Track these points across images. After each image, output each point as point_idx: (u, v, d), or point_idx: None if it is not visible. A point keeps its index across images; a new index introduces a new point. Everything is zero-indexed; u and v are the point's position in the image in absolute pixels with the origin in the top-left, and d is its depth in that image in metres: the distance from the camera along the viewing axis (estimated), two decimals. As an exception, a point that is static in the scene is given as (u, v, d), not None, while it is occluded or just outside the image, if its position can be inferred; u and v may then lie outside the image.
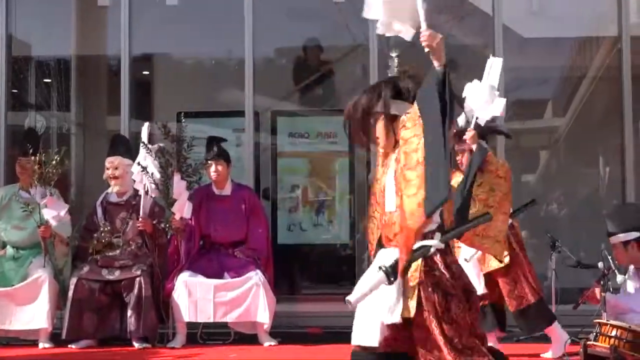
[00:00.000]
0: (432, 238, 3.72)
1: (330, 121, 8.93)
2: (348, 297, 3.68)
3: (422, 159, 3.62)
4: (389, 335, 3.72)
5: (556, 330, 6.08)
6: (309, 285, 8.92)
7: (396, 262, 3.67)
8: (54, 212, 6.66)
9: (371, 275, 3.69)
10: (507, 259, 5.88)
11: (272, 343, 6.66)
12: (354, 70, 9.11)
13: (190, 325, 6.75)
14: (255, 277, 6.66)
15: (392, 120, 3.89)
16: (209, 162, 6.97)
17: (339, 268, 8.92)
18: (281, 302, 7.17)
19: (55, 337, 6.72)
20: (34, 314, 6.66)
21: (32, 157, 6.70)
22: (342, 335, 6.97)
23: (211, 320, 6.69)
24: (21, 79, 9.51)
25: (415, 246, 3.68)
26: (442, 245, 3.74)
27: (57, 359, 6.36)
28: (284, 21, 8.84)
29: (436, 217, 3.77)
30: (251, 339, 6.74)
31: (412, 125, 3.71)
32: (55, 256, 6.83)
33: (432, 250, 3.70)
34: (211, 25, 8.87)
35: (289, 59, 9.34)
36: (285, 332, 6.98)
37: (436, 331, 3.65)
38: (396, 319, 3.66)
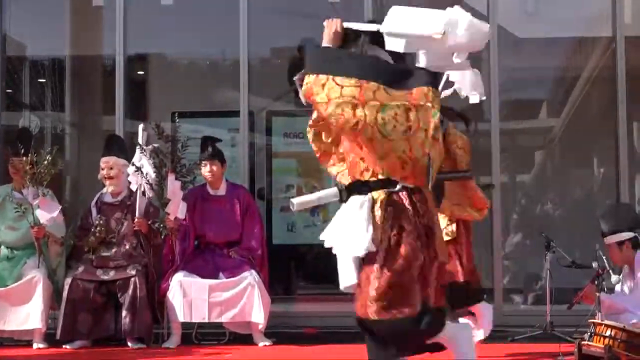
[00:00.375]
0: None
1: (325, 121, 8.94)
2: (292, 199, 3.72)
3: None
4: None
5: (484, 312, 5.94)
6: (304, 285, 8.93)
7: (352, 184, 3.68)
8: (47, 214, 6.63)
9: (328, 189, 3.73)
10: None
11: (267, 343, 6.65)
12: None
13: (185, 326, 6.74)
14: (250, 277, 6.66)
15: None
16: (204, 162, 6.97)
17: (334, 268, 8.90)
18: (276, 302, 7.17)
19: (49, 337, 6.70)
20: (28, 314, 6.63)
21: (24, 157, 6.67)
22: (338, 335, 7.01)
23: (206, 320, 6.69)
24: (15, 78, 9.50)
25: (382, 178, 3.65)
26: (410, 185, 3.68)
27: (52, 359, 6.34)
28: (279, 21, 8.84)
29: None
30: (246, 339, 6.74)
31: None
32: (49, 256, 6.82)
33: (399, 186, 3.65)
34: (206, 25, 8.87)
35: (284, 59, 9.34)
36: (280, 332, 6.98)
37: (377, 265, 3.60)
38: (360, 252, 3.62)
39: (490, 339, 6.31)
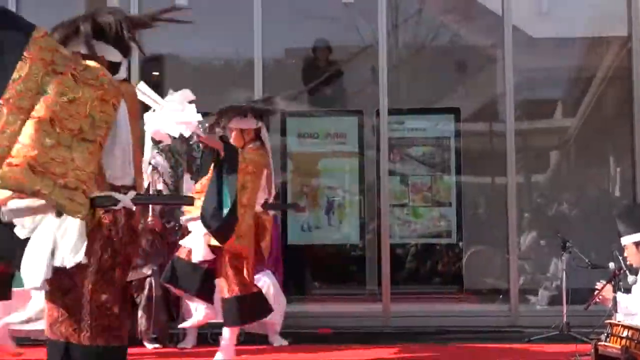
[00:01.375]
0: (124, 193, 3.52)
1: (339, 122, 8.94)
2: (4, 208, 3.45)
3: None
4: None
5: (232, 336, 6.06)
6: (319, 285, 8.92)
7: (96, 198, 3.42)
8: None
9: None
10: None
11: (283, 343, 6.65)
12: (363, 71, 9.10)
13: (201, 326, 6.74)
14: (265, 278, 6.65)
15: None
16: (219, 162, 6.97)
17: (349, 268, 8.93)
18: (291, 303, 7.17)
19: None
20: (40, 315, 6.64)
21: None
22: (352, 335, 7.01)
23: (221, 321, 6.67)
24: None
25: (103, 194, 3.45)
26: (132, 206, 3.55)
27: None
28: (293, 22, 8.84)
29: (131, 171, 3.60)
30: (261, 340, 6.73)
31: None
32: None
33: (119, 205, 3.48)
34: (220, 25, 8.87)
35: (298, 59, 9.34)
36: (295, 332, 6.98)
37: (86, 288, 3.48)
38: (68, 263, 3.44)
39: (506, 339, 6.32)
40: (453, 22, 9.42)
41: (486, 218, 9.32)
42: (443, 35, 9.38)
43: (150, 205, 6.81)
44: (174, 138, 6.80)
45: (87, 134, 3.32)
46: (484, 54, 9.38)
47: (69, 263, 3.43)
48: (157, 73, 9.67)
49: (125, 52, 3.74)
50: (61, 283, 3.50)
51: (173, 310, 6.72)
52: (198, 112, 7.60)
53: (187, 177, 6.72)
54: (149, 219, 6.81)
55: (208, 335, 6.85)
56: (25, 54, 3.31)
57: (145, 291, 6.60)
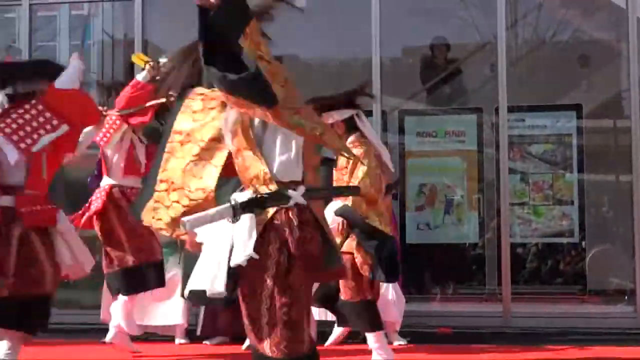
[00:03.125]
0: (294, 189, 3.42)
1: (458, 120, 8.88)
2: (184, 218, 3.37)
3: None
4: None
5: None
6: (438, 284, 8.88)
7: (249, 201, 3.35)
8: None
9: (221, 206, 3.39)
10: None
11: (402, 342, 6.67)
12: (481, 69, 9.02)
13: (321, 323, 6.82)
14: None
15: None
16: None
17: (468, 268, 8.86)
18: (410, 302, 7.17)
19: (190, 333, 6.92)
20: (170, 311, 6.85)
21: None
22: (472, 335, 6.96)
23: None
24: (156, 82, 9.81)
25: (272, 192, 3.37)
26: (304, 201, 3.42)
27: (193, 354, 6.54)
28: (410, 20, 8.83)
29: (299, 167, 3.47)
30: (380, 338, 6.75)
31: None
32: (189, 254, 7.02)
33: (291, 203, 3.39)
34: (338, 26, 8.94)
35: (416, 58, 9.32)
36: (414, 331, 6.98)
37: (265, 292, 3.35)
38: (239, 260, 3.34)
39: (631, 342, 6.16)
40: (574, 17, 9.22)
41: (610, 216, 9.09)
42: (564, 30, 9.19)
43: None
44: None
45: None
46: (607, 48, 9.15)
47: (239, 259, 3.33)
48: (276, 74, 9.82)
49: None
50: (242, 290, 3.44)
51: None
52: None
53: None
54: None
55: (328, 333, 6.92)
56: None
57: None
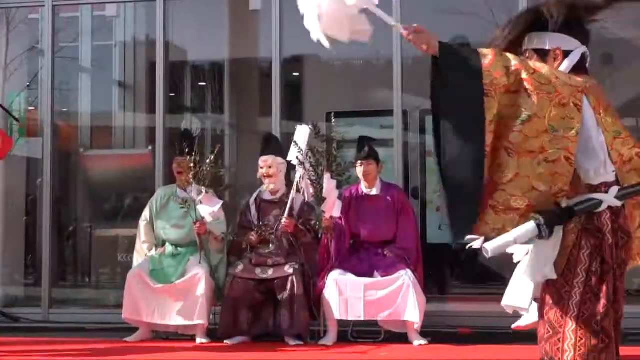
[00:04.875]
0: (605, 192, 3.20)
1: (480, 119, 8.83)
2: (485, 244, 3.19)
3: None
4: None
5: None
6: (459, 284, 8.85)
7: (553, 213, 3.14)
8: (209, 208, 6.82)
9: (522, 225, 3.17)
10: None
11: (423, 342, 6.64)
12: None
13: (342, 323, 6.82)
14: (405, 277, 6.67)
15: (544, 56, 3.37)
16: (360, 161, 7.03)
17: (489, 268, 8.81)
18: (431, 302, 7.15)
19: (211, 333, 6.93)
20: (191, 310, 6.85)
21: (188, 157, 6.91)
22: (493, 335, 6.92)
23: (362, 319, 6.74)
24: (178, 83, 9.88)
25: (583, 198, 3.16)
26: (619, 203, 3.19)
27: (213, 353, 6.55)
28: (431, 19, 8.80)
29: (609, 166, 3.23)
30: (401, 338, 6.75)
31: None
32: (210, 253, 7.04)
33: (603, 206, 3.16)
34: (359, 25, 8.91)
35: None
36: (435, 331, 6.96)
37: (574, 300, 3.14)
38: (539, 278, 3.21)
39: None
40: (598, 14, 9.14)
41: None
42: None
43: (288, 206, 6.94)
44: (315, 137, 6.94)
45: (550, 153, 3.10)
46: (630, 46, 9.07)
47: (539, 278, 3.22)
48: (297, 74, 9.84)
49: (584, 38, 3.47)
50: (546, 297, 3.25)
51: (314, 308, 6.82)
52: (337, 111, 7.71)
53: (327, 176, 6.80)
54: (283, 219, 6.92)
55: (349, 333, 6.92)
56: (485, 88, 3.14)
57: (288, 289, 6.72)
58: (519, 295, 3.42)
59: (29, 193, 9.45)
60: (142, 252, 7.27)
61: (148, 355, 6.40)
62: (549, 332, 3.21)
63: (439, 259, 8.56)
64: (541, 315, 3.28)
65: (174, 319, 6.89)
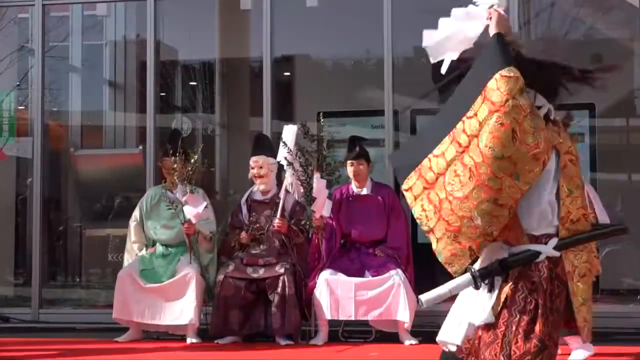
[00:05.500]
0: (545, 243, 3.34)
1: (470, 119, 8.85)
2: (421, 296, 3.39)
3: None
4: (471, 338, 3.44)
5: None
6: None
7: (487, 267, 3.31)
8: (194, 210, 6.81)
9: (458, 278, 3.35)
10: None
11: (413, 342, 6.66)
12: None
13: (332, 323, 6.83)
14: (395, 276, 6.68)
15: None
16: (350, 161, 7.03)
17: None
18: (422, 301, 7.14)
19: (202, 333, 6.93)
20: (182, 310, 6.85)
21: (173, 157, 6.90)
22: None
23: (352, 318, 6.75)
24: (168, 82, 9.86)
25: (520, 249, 3.30)
26: (557, 254, 3.33)
27: (204, 353, 6.55)
28: (422, 19, 8.79)
29: (554, 219, 3.37)
30: (392, 338, 6.76)
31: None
32: (200, 253, 7.04)
33: (542, 257, 3.30)
34: (350, 25, 8.94)
35: (428, 57, 9.28)
36: (426, 331, 6.96)
37: (507, 338, 3.29)
38: (477, 321, 3.38)
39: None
40: (587, 15, 9.18)
41: (623, 215, 9.05)
42: (577, 29, 9.16)
43: (280, 207, 6.95)
44: (305, 137, 6.95)
45: (503, 197, 3.18)
46: (620, 46, 9.11)
47: (476, 322, 3.36)
48: (288, 73, 9.84)
49: (553, 99, 3.57)
50: (482, 336, 3.40)
51: (305, 308, 6.83)
52: (328, 111, 7.72)
53: (317, 176, 6.80)
54: (276, 220, 6.93)
55: (340, 333, 6.93)
56: (482, 90, 3.24)
57: (279, 289, 6.72)
58: (454, 333, 3.58)
59: (19, 193, 9.43)
60: (132, 252, 7.26)
61: (138, 355, 6.39)
62: None
63: (430, 258, 8.56)
64: (477, 354, 3.40)
65: (165, 319, 6.89)
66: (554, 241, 3.34)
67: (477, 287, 3.30)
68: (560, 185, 3.38)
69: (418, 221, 3.41)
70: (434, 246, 3.37)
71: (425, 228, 3.39)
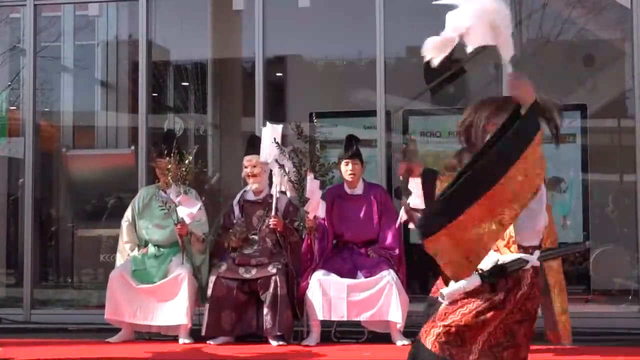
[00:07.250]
0: (531, 253, 3.58)
1: (462, 120, 8.88)
2: (442, 290, 3.59)
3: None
4: None
5: None
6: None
7: (494, 267, 3.52)
8: (188, 210, 6.81)
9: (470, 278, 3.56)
10: None
11: (406, 342, 6.65)
12: (485, 69, 9.01)
13: (325, 324, 6.83)
14: (388, 277, 6.69)
15: None
16: (345, 160, 7.02)
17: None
18: (414, 302, 7.16)
19: (194, 333, 6.92)
20: (174, 311, 6.85)
21: (167, 158, 6.90)
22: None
23: (345, 319, 6.76)
24: (160, 82, 9.86)
25: (514, 258, 3.54)
26: (538, 264, 3.61)
27: (197, 354, 6.54)
28: (414, 20, 8.82)
29: (540, 232, 3.64)
30: (384, 338, 6.77)
31: None
32: (192, 254, 7.03)
33: (528, 265, 3.55)
34: (342, 26, 8.95)
35: (420, 58, 9.27)
36: (418, 331, 6.96)
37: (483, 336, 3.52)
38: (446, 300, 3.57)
39: (636, 342, 6.13)
40: (579, 16, 9.21)
41: (614, 216, 9.08)
42: (569, 30, 9.19)
43: (274, 206, 6.95)
44: (298, 138, 6.95)
45: (505, 218, 3.36)
46: (611, 47, 9.14)
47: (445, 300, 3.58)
48: (280, 74, 9.85)
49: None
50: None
51: (297, 308, 6.83)
52: (321, 112, 7.72)
53: (310, 176, 6.81)
54: (271, 219, 6.93)
55: (332, 333, 6.93)
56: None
57: (271, 289, 6.72)
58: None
59: (11, 193, 9.42)
60: (124, 253, 7.25)
61: (131, 355, 6.38)
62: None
63: (422, 258, 8.57)
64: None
65: (157, 320, 6.89)
66: (537, 252, 3.59)
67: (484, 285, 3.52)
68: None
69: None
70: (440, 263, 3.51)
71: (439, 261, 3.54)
